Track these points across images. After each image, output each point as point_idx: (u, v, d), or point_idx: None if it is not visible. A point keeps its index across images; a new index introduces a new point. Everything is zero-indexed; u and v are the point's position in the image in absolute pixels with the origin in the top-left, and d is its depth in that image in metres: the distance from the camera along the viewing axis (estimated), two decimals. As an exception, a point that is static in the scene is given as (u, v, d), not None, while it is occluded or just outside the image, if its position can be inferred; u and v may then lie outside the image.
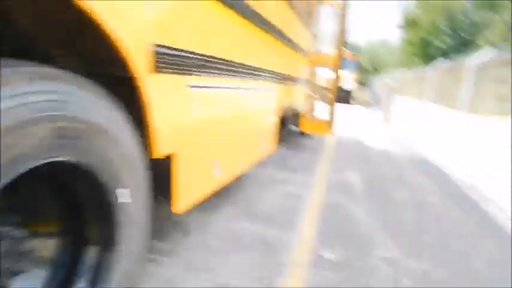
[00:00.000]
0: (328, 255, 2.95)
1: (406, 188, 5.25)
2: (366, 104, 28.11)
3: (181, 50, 1.98)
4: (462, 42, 39.31)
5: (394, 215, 4.07)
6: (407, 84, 16.35)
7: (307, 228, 3.44)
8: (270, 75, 4.03)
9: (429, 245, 3.36)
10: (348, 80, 24.38)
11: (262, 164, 5.03)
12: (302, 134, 8.02)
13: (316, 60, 7.42)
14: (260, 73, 3.61)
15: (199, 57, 2.19)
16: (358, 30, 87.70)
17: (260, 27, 3.34)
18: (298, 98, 6.45)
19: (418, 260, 3.03)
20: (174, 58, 1.91)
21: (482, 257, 3.23)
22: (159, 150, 1.89)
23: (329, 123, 7.12)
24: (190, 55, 2.08)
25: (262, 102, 3.93)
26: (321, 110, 8.27)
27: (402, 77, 18.02)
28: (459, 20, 39.91)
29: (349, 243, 3.20)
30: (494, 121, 7.58)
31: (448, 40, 39.40)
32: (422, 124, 11.54)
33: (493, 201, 5.01)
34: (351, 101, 25.57)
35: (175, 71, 1.95)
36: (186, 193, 2.29)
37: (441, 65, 13.31)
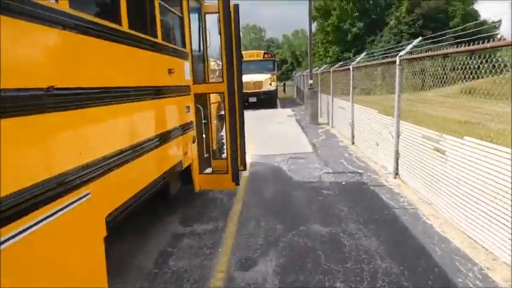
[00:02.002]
0: None
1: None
2: (292, 102, 26.80)
3: None
4: (372, 23, 39.93)
5: None
6: (326, 80, 14.94)
7: None
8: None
9: None
10: (267, 81, 22.81)
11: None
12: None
13: (208, 89, 5.40)
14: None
15: None
16: (275, 25, 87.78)
17: None
18: (180, 150, 4.35)
19: None
20: None
21: None
22: None
23: (230, 168, 5.06)
24: None
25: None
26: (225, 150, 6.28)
27: (322, 71, 16.63)
28: (366, 3, 40.45)
29: None
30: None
31: (359, 23, 39.77)
32: (360, 132, 9.95)
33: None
34: (275, 102, 24.02)
35: None
36: None
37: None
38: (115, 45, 2.77)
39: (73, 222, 2.16)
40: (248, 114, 18.69)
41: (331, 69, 13.19)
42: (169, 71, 3.94)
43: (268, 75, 23.27)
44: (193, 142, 4.93)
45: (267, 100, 22.69)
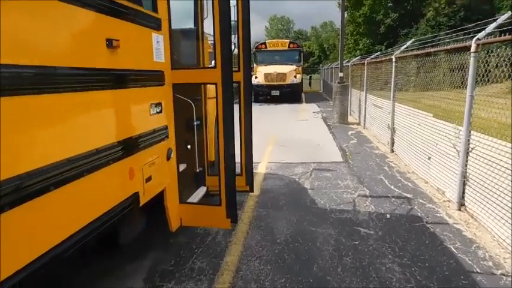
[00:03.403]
0: None
1: None
2: (318, 96, 24.84)
3: None
4: (407, 14, 37.17)
5: None
6: (358, 73, 13.02)
7: None
8: None
9: None
10: (292, 73, 20.93)
11: None
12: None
13: (193, 77, 3.62)
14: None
15: None
16: (302, 17, 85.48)
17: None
18: (136, 176, 2.69)
19: None
20: None
21: None
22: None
23: (224, 198, 3.39)
24: None
25: None
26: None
27: (354, 63, 14.68)
28: (402, -8, 37.76)
29: None
30: None
31: (393, 14, 37.08)
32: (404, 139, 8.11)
33: None
34: (299, 96, 22.12)
35: None
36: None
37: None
38: None
39: None
40: (269, 109, 17.02)
41: (366, 61, 11.29)
42: (109, 44, 2.26)
43: (293, 67, 21.41)
44: (168, 158, 3.26)
45: (291, 94, 20.85)
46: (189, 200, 4.18)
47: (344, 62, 14.27)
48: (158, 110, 3.02)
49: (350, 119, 13.26)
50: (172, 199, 3.35)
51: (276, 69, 20.74)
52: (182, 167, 4.26)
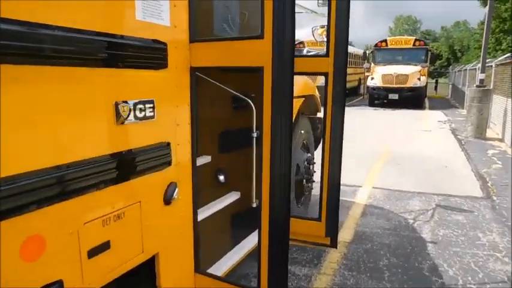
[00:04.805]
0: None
1: None
2: (444, 103, 21.32)
3: None
4: None
5: None
6: (503, 75, 10.13)
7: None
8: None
9: None
10: (415, 75, 18.11)
11: None
12: None
13: (224, 58, 2.12)
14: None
15: None
16: (431, 17, 77.87)
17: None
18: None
19: None
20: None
21: None
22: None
23: (268, 282, 1.87)
24: None
25: None
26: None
27: (497, 63, 11.62)
28: None
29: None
30: None
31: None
32: None
33: None
34: (421, 102, 19.12)
35: None
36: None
37: None
38: None
39: None
40: (384, 115, 14.73)
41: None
42: None
43: (417, 68, 18.54)
44: (168, 201, 1.82)
45: (412, 99, 18.02)
46: (237, 250, 2.77)
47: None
48: (142, 115, 1.61)
49: (489, 133, 10.44)
50: (175, 270, 1.92)
51: (396, 70, 18.21)
52: (235, 196, 2.89)
